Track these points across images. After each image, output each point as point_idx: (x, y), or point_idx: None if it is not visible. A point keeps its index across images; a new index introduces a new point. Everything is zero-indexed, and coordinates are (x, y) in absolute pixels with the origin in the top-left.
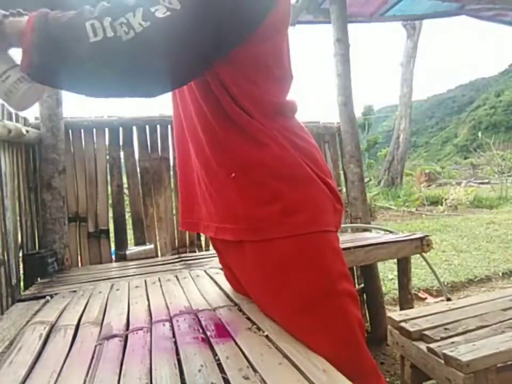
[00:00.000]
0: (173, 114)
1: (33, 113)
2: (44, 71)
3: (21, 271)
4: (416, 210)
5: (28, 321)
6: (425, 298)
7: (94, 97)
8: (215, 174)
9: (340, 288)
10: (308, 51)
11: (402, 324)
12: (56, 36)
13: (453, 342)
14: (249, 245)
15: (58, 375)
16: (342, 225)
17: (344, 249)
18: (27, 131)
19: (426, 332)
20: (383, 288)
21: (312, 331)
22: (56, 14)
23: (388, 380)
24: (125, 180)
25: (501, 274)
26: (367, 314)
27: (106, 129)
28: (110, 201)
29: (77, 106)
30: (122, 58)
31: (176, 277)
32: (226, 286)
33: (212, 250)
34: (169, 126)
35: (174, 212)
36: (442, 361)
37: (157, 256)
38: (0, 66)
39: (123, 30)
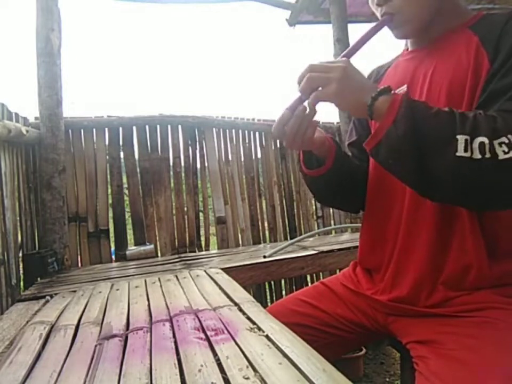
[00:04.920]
0: None
1: (33, 113)
2: (390, 158)
3: (21, 271)
4: None
5: (27, 321)
6: None
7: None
8: None
9: None
10: (308, 51)
11: None
12: (420, 131)
13: None
14: None
15: (58, 375)
16: (342, 225)
17: (344, 249)
18: (27, 131)
19: None
20: None
21: None
22: (426, 110)
23: (387, 380)
24: (125, 179)
25: None
26: None
27: (106, 129)
28: (110, 201)
29: (76, 106)
30: (492, 176)
31: (176, 277)
32: (226, 286)
33: (212, 250)
34: (169, 126)
35: (174, 212)
36: None
37: (157, 256)
38: None
39: (501, 150)
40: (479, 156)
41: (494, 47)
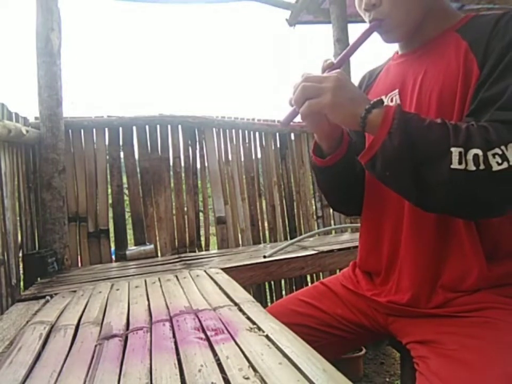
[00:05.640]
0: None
1: (33, 113)
2: (387, 170)
3: (21, 271)
4: None
5: (27, 321)
6: None
7: (424, 207)
8: None
9: None
10: (308, 51)
11: None
12: (415, 144)
13: None
14: None
15: (58, 375)
16: (342, 225)
17: (344, 249)
18: (27, 131)
19: None
20: None
21: None
22: (419, 122)
23: (387, 380)
24: (125, 179)
25: None
26: None
27: (106, 129)
28: (110, 201)
29: (76, 106)
30: (486, 187)
31: (176, 277)
32: (226, 286)
33: (212, 250)
34: (169, 126)
35: (174, 211)
36: None
37: (157, 256)
38: None
39: (495, 161)
40: (474, 168)
41: (482, 51)
